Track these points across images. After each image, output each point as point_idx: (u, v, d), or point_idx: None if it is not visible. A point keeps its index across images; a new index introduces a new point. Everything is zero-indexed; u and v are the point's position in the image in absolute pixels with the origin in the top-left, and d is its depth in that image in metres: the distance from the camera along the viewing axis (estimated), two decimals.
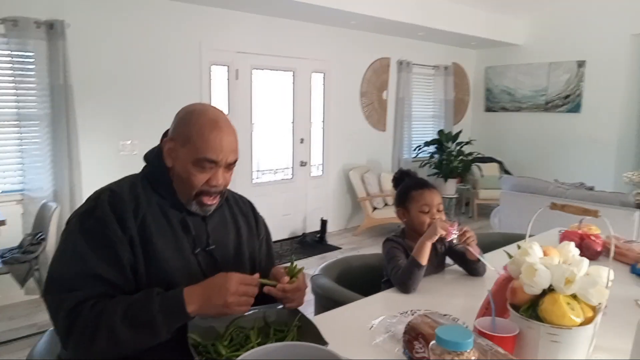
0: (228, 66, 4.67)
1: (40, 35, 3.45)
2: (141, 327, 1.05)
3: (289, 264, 1.24)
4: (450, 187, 6.05)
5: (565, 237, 2.00)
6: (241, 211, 1.38)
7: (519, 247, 1.15)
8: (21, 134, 3.54)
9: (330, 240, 5.31)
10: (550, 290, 1.02)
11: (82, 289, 1.07)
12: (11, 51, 3.41)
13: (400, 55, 6.17)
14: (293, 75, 5.22)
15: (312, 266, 4.39)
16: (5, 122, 3.48)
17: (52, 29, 3.47)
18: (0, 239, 2.92)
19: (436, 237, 1.59)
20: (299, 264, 1.23)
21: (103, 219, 1.11)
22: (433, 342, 0.85)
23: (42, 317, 3.29)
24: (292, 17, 4.92)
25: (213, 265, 1.23)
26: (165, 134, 1.27)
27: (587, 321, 0.99)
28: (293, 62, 5.17)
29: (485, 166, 6.37)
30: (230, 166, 1.21)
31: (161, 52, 4.17)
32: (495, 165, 6.75)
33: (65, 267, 1.10)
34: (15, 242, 3.02)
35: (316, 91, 5.47)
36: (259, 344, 1.07)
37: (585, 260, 1.07)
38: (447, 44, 6.70)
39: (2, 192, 3.54)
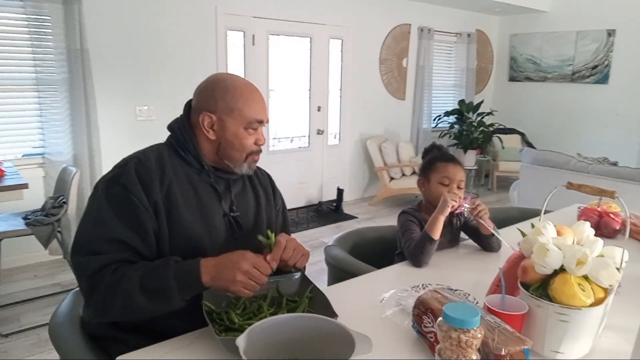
0: (244, 32, 4.60)
1: None
2: (156, 294, 1.08)
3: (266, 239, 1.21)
4: (470, 159, 5.96)
5: (583, 214, 1.97)
6: (260, 182, 1.41)
7: (532, 225, 1.14)
8: (40, 98, 3.58)
9: (347, 209, 5.33)
10: (561, 270, 1.01)
11: (106, 253, 1.11)
12: (27, 15, 3.41)
13: (421, 22, 6.00)
14: (310, 42, 5.12)
15: (327, 235, 4.45)
16: (25, 87, 3.51)
17: None
18: (24, 201, 3.00)
19: (448, 210, 1.58)
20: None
21: (128, 186, 1.14)
22: (440, 318, 0.86)
23: (65, 276, 3.41)
24: None
25: (236, 232, 1.28)
26: (188, 105, 1.29)
27: (598, 302, 0.99)
28: (310, 28, 5.07)
29: (506, 138, 6.24)
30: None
31: (177, 16, 4.12)
32: (517, 137, 6.61)
33: (90, 231, 1.14)
34: (38, 205, 3.10)
35: (334, 58, 5.38)
36: (271, 314, 1.09)
37: (600, 241, 1.05)
38: (471, 10, 6.48)
39: (24, 155, 3.62)
